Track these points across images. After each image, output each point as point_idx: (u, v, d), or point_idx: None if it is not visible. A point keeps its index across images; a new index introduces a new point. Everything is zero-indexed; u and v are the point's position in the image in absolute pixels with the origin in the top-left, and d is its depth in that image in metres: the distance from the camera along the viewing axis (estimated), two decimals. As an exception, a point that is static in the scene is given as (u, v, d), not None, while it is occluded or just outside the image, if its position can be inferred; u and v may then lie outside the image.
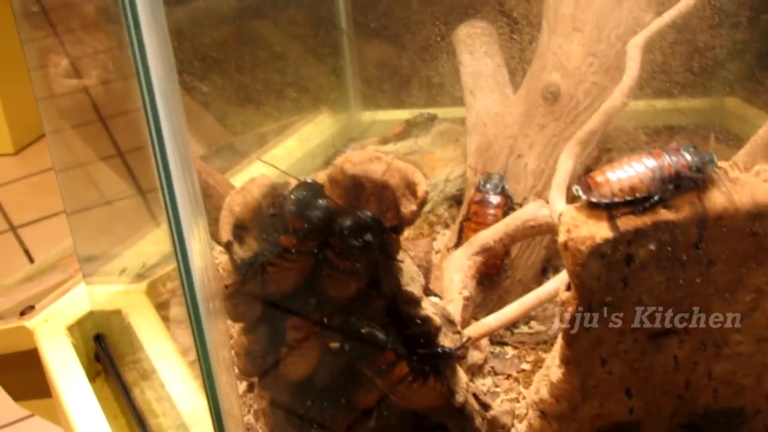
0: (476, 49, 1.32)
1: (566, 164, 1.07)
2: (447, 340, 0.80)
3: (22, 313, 1.23)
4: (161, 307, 1.22)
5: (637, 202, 0.72)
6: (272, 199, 0.72)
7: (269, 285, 0.74)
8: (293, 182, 0.74)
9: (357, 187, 0.72)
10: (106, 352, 1.21)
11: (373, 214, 0.72)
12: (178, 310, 1.20)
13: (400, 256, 0.75)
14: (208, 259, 0.71)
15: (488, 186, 1.18)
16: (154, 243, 1.28)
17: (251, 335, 0.77)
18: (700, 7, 1.18)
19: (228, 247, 0.73)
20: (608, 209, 0.72)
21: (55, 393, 1.17)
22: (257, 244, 0.72)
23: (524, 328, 1.19)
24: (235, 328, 0.79)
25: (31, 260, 2.89)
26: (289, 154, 1.49)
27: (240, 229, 0.72)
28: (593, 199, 0.72)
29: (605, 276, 0.73)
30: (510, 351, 1.16)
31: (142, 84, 0.65)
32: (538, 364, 1.14)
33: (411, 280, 0.77)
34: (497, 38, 1.33)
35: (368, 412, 0.86)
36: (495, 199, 1.17)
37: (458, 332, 0.80)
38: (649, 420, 0.88)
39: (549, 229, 1.12)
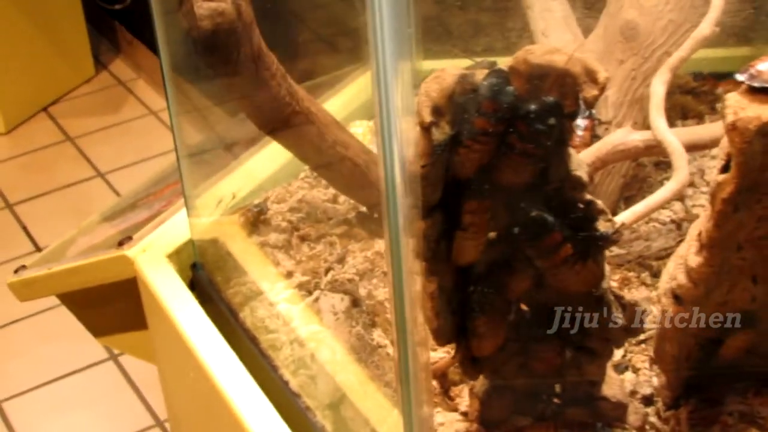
0: (544, -5, 1.39)
1: (659, 89, 1.15)
2: (601, 226, 0.87)
3: (120, 244, 1.27)
4: (256, 236, 1.28)
5: (796, 86, 0.79)
6: (464, 85, 0.79)
7: (455, 168, 0.80)
8: (479, 72, 0.80)
9: (539, 77, 0.79)
10: (205, 278, 1.26)
11: (556, 100, 0.78)
12: (277, 237, 1.26)
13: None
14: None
15: (575, 112, 1.25)
16: (246, 177, 1.34)
17: (429, 219, 0.83)
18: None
19: (428, 128, 0.79)
20: (770, 93, 0.79)
21: (161, 320, 1.22)
22: (450, 127, 0.79)
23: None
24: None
25: (30, 236, 2.91)
26: (349, 102, 1.54)
27: (436, 113, 0.78)
28: (756, 85, 0.80)
29: (762, 157, 0.80)
30: (596, 271, 1.23)
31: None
32: (624, 281, 1.21)
33: (578, 166, 0.83)
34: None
35: (509, 305, 0.93)
36: (582, 123, 1.24)
37: (610, 220, 0.87)
38: (765, 311, 0.95)
39: (637, 153, 1.20)
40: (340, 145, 1.19)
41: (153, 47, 3.54)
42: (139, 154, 3.16)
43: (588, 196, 0.84)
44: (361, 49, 1.65)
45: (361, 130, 1.41)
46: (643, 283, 1.20)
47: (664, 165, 1.38)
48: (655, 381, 1.07)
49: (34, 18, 3.29)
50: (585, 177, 0.83)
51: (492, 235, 0.87)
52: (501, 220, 0.85)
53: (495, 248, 0.87)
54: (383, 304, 1.15)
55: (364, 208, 1.29)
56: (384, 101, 0.73)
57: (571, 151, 0.83)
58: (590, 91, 0.78)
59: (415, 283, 0.84)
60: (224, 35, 1.03)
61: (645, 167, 1.37)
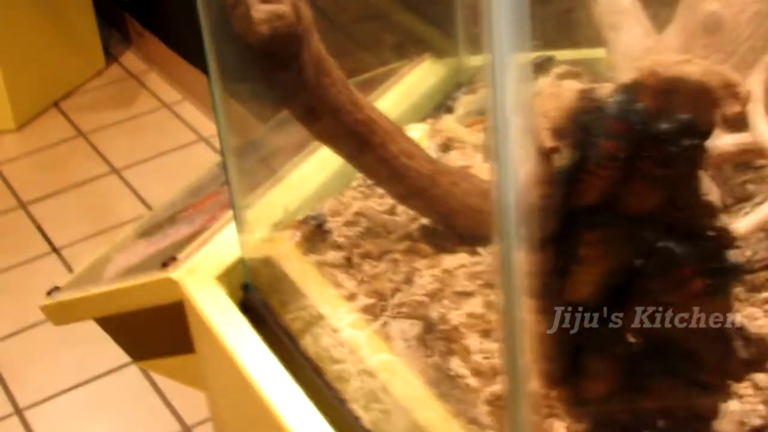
0: (611, -13, 1.29)
1: (756, 89, 1.05)
2: (731, 256, 0.77)
3: (165, 265, 1.18)
4: (312, 254, 1.18)
5: None
6: (587, 103, 0.69)
7: (575, 196, 0.71)
8: (601, 87, 0.70)
9: (670, 92, 0.69)
10: (258, 300, 1.17)
11: (693, 118, 0.69)
12: (335, 255, 1.16)
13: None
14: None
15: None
16: (297, 187, 1.24)
17: (542, 253, 0.74)
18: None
19: (550, 154, 0.69)
20: None
21: (214, 347, 1.13)
22: (572, 151, 0.69)
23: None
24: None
25: (45, 236, 2.83)
26: (398, 103, 1.45)
27: (558, 136, 0.69)
28: None
29: None
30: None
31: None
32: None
33: (709, 190, 0.74)
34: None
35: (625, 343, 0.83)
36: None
37: (739, 247, 0.78)
38: None
39: (730, 158, 1.09)
40: (404, 155, 1.10)
41: (165, 39, 3.44)
42: (153, 149, 3.07)
43: (720, 224, 0.75)
44: (406, 45, 1.55)
45: (418, 134, 1.31)
46: (737, 299, 1.11)
47: (743, 167, 1.28)
48: (761, 408, 0.98)
49: (42, 10, 3.20)
50: (718, 202, 0.73)
51: (610, 267, 0.78)
52: (622, 252, 0.75)
53: (613, 282, 0.77)
54: (459, 329, 1.05)
55: (425, 221, 1.19)
56: (501, 109, 0.64)
57: (702, 173, 0.73)
58: (731, 108, 0.68)
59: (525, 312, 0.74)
60: (283, 40, 0.94)
61: (724, 169, 1.28)
